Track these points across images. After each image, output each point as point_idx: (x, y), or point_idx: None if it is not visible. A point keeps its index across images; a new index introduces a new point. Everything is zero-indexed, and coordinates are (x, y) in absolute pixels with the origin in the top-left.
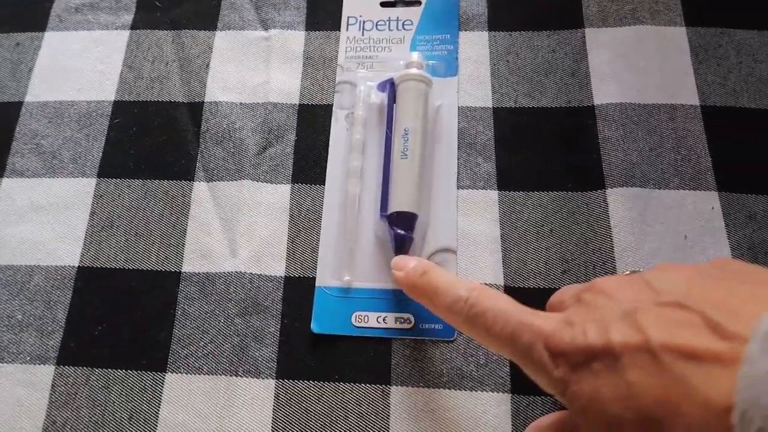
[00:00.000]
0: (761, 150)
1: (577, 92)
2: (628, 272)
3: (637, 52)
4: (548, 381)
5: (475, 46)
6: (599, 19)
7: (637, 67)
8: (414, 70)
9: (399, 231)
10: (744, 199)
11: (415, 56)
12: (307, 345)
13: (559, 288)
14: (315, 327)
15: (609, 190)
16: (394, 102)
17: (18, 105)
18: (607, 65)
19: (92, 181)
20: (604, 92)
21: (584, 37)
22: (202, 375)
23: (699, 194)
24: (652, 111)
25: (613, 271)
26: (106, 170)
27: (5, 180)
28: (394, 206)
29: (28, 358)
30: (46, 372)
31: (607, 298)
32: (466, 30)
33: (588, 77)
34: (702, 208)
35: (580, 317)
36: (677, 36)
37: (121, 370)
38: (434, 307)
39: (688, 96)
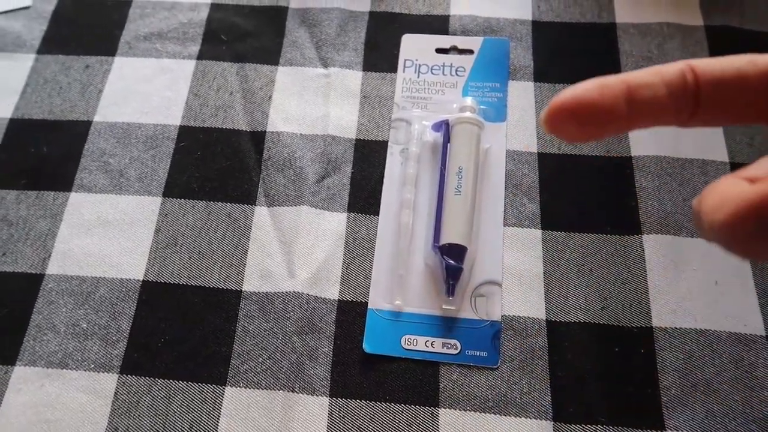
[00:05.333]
0: None
1: (616, 143)
2: None
3: None
4: None
5: (522, 95)
6: None
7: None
8: (468, 114)
9: (450, 261)
10: None
11: (469, 101)
12: (359, 366)
13: (598, 323)
14: (367, 347)
15: (645, 236)
16: (449, 141)
17: (87, 124)
18: None
19: (157, 200)
20: (642, 145)
21: None
22: (260, 390)
23: None
24: (686, 165)
25: (648, 312)
26: (172, 190)
27: (73, 194)
28: (446, 238)
29: (92, 366)
30: (110, 380)
31: None
32: (514, 79)
33: (625, 134)
34: (731, 256)
35: None
36: None
37: (183, 381)
38: None
39: (719, 153)
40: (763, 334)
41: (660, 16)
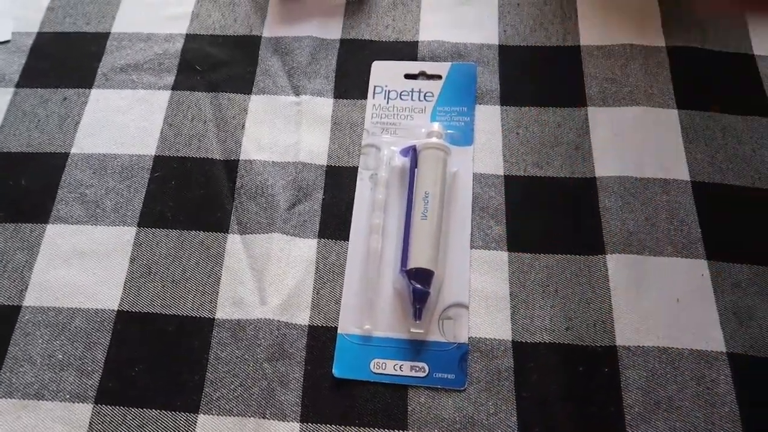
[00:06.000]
0: (746, 223)
1: (580, 164)
2: None
3: (634, 131)
4: None
5: (488, 118)
6: (600, 99)
7: (634, 144)
8: (435, 139)
9: (417, 285)
10: (730, 268)
11: (436, 126)
12: (329, 391)
13: (563, 343)
14: (336, 371)
15: (609, 256)
16: (416, 167)
17: (64, 156)
18: (608, 141)
19: (132, 230)
20: (605, 165)
21: (587, 114)
22: (232, 417)
23: (690, 262)
24: (648, 184)
25: (612, 331)
26: (146, 220)
27: (50, 226)
28: (413, 263)
29: (68, 396)
30: (85, 410)
31: None
32: (481, 103)
33: (590, 151)
34: (693, 274)
35: None
36: (670, 117)
37: (156, 410)
38: None
39: (680, 172)
40: (724, 350)
41: (623, 38)
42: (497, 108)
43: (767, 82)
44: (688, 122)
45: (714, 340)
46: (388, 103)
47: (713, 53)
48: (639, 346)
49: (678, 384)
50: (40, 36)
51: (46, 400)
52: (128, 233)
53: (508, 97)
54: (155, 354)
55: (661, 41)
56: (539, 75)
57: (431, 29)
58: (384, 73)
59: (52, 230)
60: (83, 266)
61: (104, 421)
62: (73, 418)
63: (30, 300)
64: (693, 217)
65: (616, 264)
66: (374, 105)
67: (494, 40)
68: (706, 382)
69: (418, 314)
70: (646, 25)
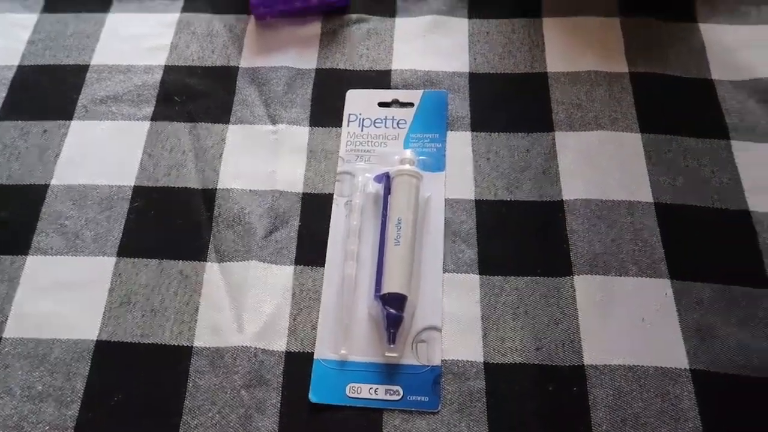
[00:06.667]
0: (707, 243)
1: (548, 188)
2: None
3: (599, 154)
4: None
5: (460, 145)
6: (567, 124)
7: (600, 167)
8: (407, 166)
9: (391, 310)
10: (692, 286)
11: (408, 153)
12: (306, 416)
13: (533, 363)
14: (313, 397)
15: (576, 277)
16: (389, 193)
17: (44, 188)
18: (574, 164)
19: (112, 260)
20: (572, 188)
21: (554, 139)
22: None
23: (654, 281)
24: (613, 207)
25: (579, 350)
26: (126, 250)
27: (30, 257)
28: (386, 288)
29: (47, 427)
30: None
31: None
32: (452, 129)
33: (558, 174)
34: (657, 293)
35: None
36: (633, 141)
37: None
38: None
39: (644, 194)
40: (687, 367)
41: (588, 65)
42: (468, 134)
43: (725, 105)
44: (651, 145)
45: (677, 358)
46: (362, 130)
47: (674, 78)
48: (606, 365)
49: (644, 401)
50: (21, 69)
51: None
52: (108, 263)
53: (478, 123)
54: (134, 383)
55: (625, 68)
56: (508, 101)
57: (404, 58)
58: (358, 101)
59: (32, 262)
60: (63, 297)
61: None
62: None
63: (10, 332)
64: (656, 238)
65: (582, 285)
66: (349, 133)
67: (465, 68)
68: (670, 399)
69: (392, 338)
70: (609, 52)
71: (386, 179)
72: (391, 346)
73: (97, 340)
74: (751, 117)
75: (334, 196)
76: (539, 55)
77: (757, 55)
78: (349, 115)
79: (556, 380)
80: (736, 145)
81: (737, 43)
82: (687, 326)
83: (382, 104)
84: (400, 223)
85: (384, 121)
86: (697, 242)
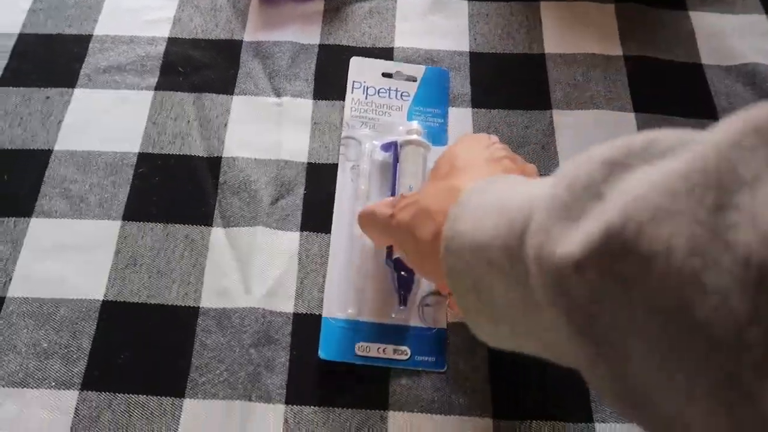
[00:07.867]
0: None
1: (546, 163)
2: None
3: (595, 132)
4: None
5: (461, 120)
6: (564, 103)
7: (596, 144)
8: (415, 136)
9: (402, 273)
10: None
11: (415, 124)
12: (314, 374)
13: None
14: (322, 354)
15: None
16: (398, 161)
17: (48, 153)
18: (571, 141)
19: (117, 223)
20: None
21: (552, 117)
22: (217, 400)
23: None
24: None
25: None
26: (131, 214)
27: (34, 220)
28: (399, 253)
29: (53, 383)
30: (70, 396)
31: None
32: (454, 106)
33: (555, 151)
34: None
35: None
36: (628, 120)
37: (142, 395)
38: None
39: None
40: None
41: (585, 47)
42: (469, 110)
43: (714, 88)
44: (644, 124)
45: None
46: (366, 98)
47: (666, 62)
48: None
49: None
50: (22, 37)
51: (30, 387)
52: (113, 226)
53: (479, 101)
54: (140, 342)
55: (619, 51)
56: (508, 80)
57: (406, 36)
58: (362, 69)
59: (35, 224)
60: (68, 258)
61: (90, 406)
62: (59, 404)
63: (14, 291)
64: None
65: None
66: (353, 99)
67: (465, 48)
68: None
69: (403, 300)
70: (605, 36)
71: (395, 147)
72: (402, 308)
73: (103, 300)
74: (738, 99)
75: (340, 160)
76: (537, 37)
77: (744, 42)
78: (353, 82)
79: None
80: None
81: (725, 30)
82: None
83: (385, 75)
84: (411, 189)
85: (388, 91)
86: None
